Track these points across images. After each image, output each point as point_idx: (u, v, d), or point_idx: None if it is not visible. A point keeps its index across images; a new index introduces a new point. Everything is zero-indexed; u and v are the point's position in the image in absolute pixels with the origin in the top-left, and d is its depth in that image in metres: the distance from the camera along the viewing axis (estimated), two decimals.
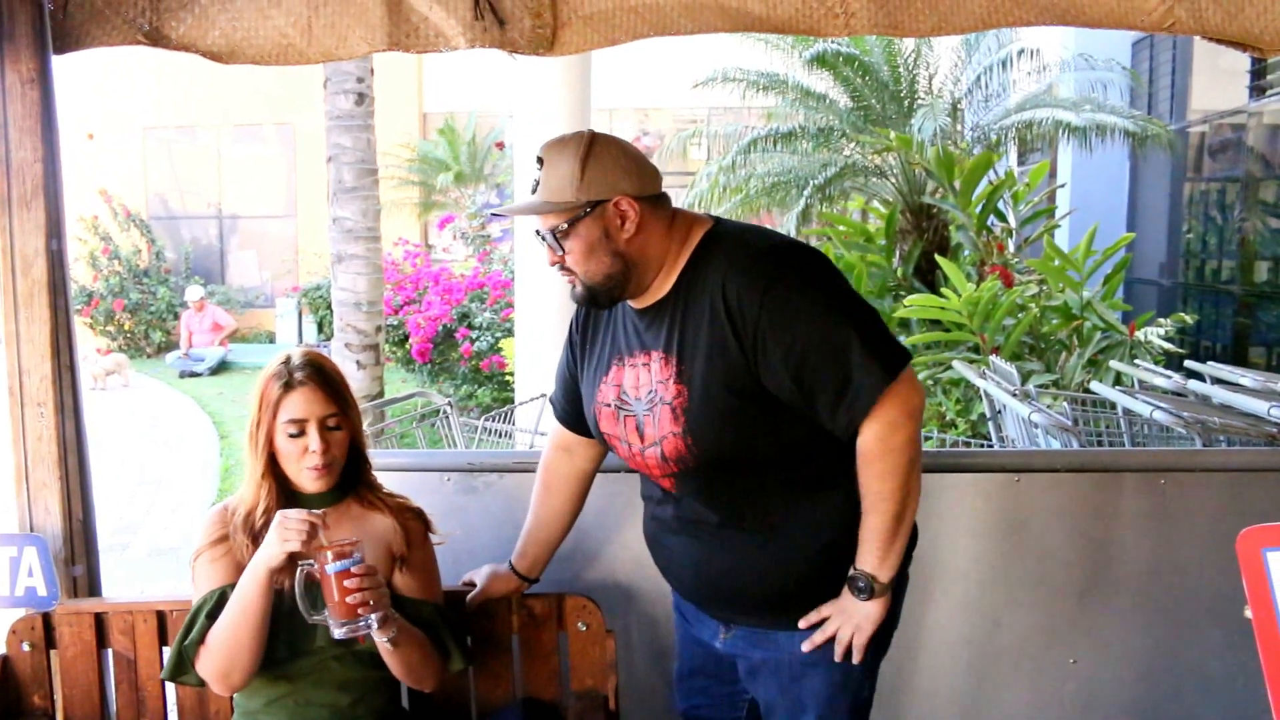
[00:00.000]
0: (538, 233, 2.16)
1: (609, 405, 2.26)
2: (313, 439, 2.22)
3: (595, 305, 2.26)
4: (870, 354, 2.04)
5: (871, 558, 2.13)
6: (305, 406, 2.22)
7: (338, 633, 2.11)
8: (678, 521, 2.27)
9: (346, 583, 2.07)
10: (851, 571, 2.15)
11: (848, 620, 2.16)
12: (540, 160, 2.16)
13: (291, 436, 2.22)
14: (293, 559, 2.13)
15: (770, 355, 2.05)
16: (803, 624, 2.20)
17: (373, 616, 2.10)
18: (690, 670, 2.50)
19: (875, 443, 2.08)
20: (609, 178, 2.10)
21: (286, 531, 2.11)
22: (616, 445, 2.28)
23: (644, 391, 2.18)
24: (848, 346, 2.04)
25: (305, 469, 2.23)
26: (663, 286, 2.17)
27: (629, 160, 2.13)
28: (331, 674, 2.27)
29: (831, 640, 2.19)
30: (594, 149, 2.11)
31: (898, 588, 2.27)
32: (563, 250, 2.14)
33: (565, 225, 2.11)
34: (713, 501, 2.20)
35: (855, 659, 2.18)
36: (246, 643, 2.17)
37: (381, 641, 2.18)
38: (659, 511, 2.32)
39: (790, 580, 2.19)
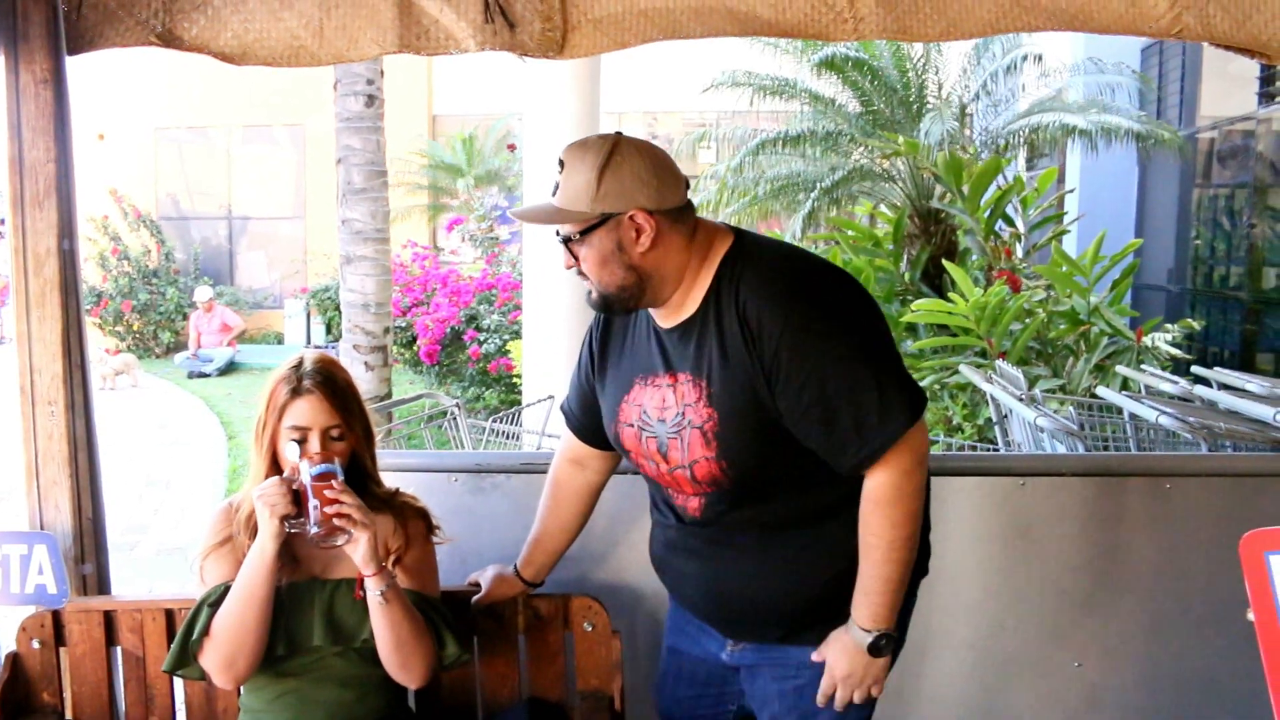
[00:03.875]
0: (556, 233, 2.13)
1: (631, 425, 2.22)
2: (313, 447, 2.22)
3: (610, 312, 2.22)
4: (889, 396, 1.99)
5: (887, 612, 2.08)
6: (309, 415, 2.22)
7: (314, 532, 2.13)
8: (694, 541, 2.23)
9: (323, 489, 2.12)
10: (869, 634, 2.08)
11: (862, 683, 2.12)
12: (561, 163, 2.10)
13: (293, 443, 2.22)
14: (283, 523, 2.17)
15: (787, 383, 2.00)
16: (820, 700, 2.17)
17: (350, 526, 2.13)
18: (674, 680, 2.48)
19: (890, 489, 2.02)
20: (626, 190, 2.03)
21: (269, 499, 2.14)
22: (643, 463, 2.24)
23: (669, 414, 2.13)
24: (867, 386, 1.98)
25: None
26: (687, 304, 2.12)
27: (650, 171, 2.05)
28: (333, 671, 2.28)
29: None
30: (613, 159, 2.03)
31: (905, 607, 2.26)
32: (576, 257, 2.11)
33: (578, 234, 2.07)
34: (740, 524, 2.16)
35: (873, 695, 2.15)
36: (252, 627, 2.18)
37: (375, 595, 2.18)
38: (671, 535, 2.29)
39: (804, 603, 2.16)
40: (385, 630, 2.21)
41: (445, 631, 2.32)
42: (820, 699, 2.15)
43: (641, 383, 2.20)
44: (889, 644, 2.09)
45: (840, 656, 2.12)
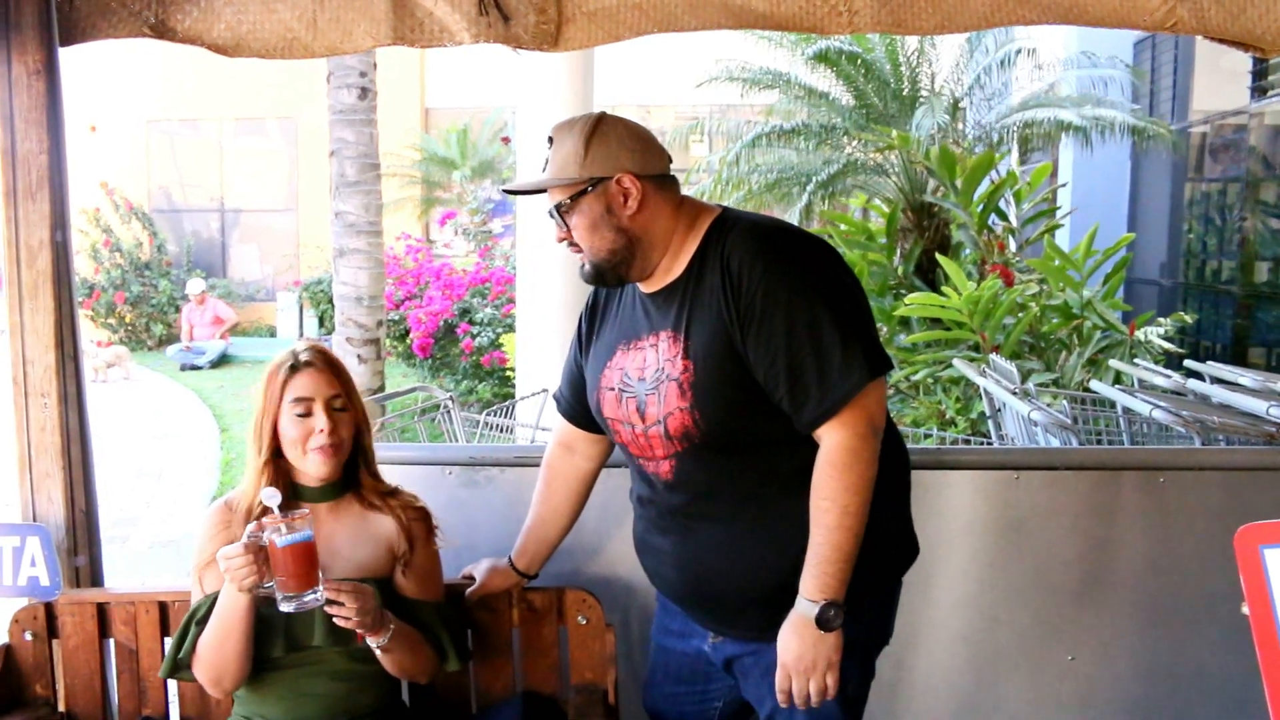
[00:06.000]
0: (549, 212, 2.20)
1: (612, 389, 2.25)
2: (319, 418, 2.23)
3: (602, 283, 2.26)
4: (853, 352, 2.03)
5: (836, 583, 2.04)
6: (311, 386, 2.24)
7: (284, 606, 2.10)
8: (669, 517, 2.25)
9: (296, 565, 2.07)
10: (815, 605, 2.04)
11: (815, 666, 2.07)
12: (550, 140, 2.20)
13: (298, 417, 2.23)
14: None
15: (758, 331, 2.05)
16: (781, 699, 2.12)
17: (320, 590, 2.10)
18: (661, 676, 2.49)
19: (845, 451, 2.04)
20: (612, 154, 2.14)
21: (235, 573, 2.09)
22: (619, 429, 2.25)
23: (649, 372, 2.17)
24: (833, 340, 2.03)
25: (312, 450, 2.23)
26: (673, 269, 2.18)
27: (634, 139, 2.17)
28: (329, 665, 2.28)
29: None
30: (600, 127, 2.15)
31: (896, 590, 2.28)
32: (568, 226, 2.17)
33: (569, 201, 2.15)
34: (711, 487, 2.17)
35: (831, 693, 2.09)
36: (232, 657, 2.19)
37: (373, 645, 2.21)
38: (649, 511, 2.30)
39: (777, 581, 2.13)
40: (388, 662, 2.27)
41: (448, 645, 2.35)
42: (780, 697, 2.12)
43: (624, 348, 2.26)
44: (838, 615, 2.04)
45: (789, 639, 2.09)
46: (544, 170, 2.19)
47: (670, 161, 2.24)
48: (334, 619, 2.13)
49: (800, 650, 2.07)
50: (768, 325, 2.05)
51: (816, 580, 2.05)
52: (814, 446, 2.08)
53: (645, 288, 2.24)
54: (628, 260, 2.18)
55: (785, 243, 2.12)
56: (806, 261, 2.10)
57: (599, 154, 2.13)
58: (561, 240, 2.21)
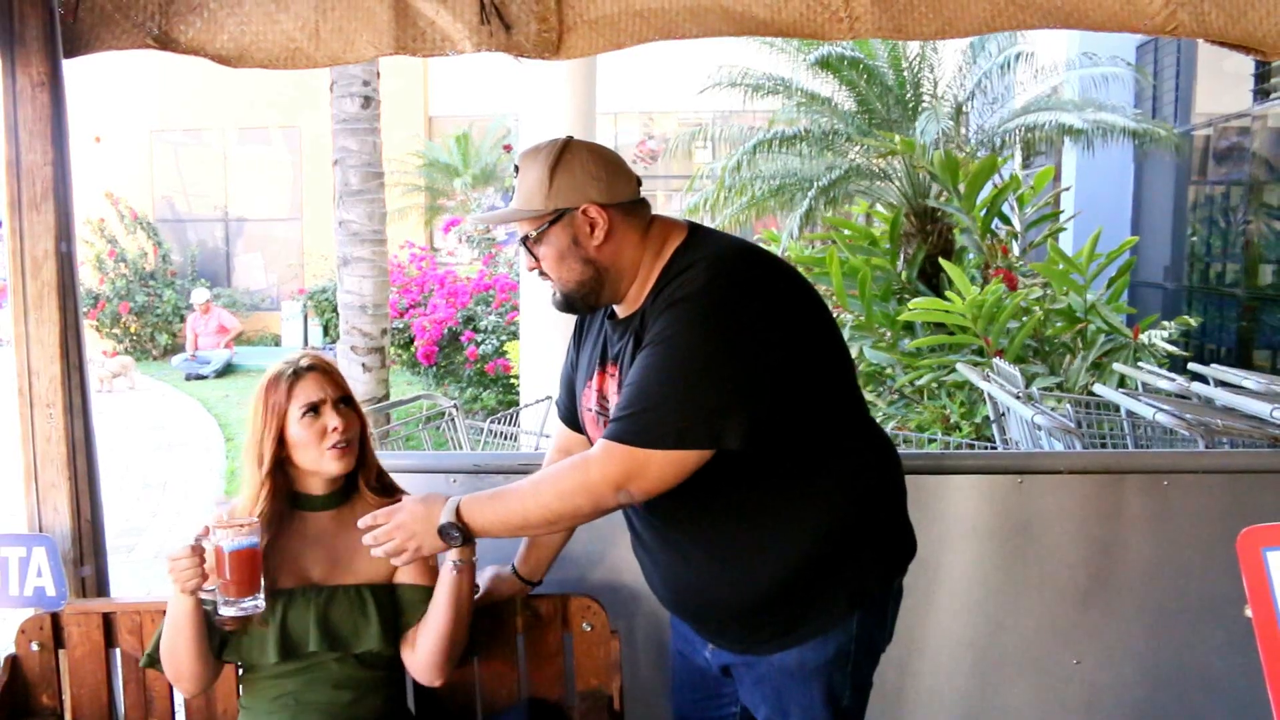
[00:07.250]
0: (518, 242, 2.19)
1: (591, 410, 2.27)
2: (330, 416, 2.25)
3: (574, 311, 2.27)
4: (677, 414, 1.97)
5: (481, 521, 2.08)
6: (318, 388, 2.26)
7: (225, 610, 2.11)
8: (649, 536, 2.26)
9: (241, 569, 2.09)
10: (452, 519, 2.08)
11: (404, 539, 2.12)
12: (517, 168, 2.18)
13: (310, 419, 2.24)
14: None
15: (646, 347, 2.03)
16: (362, 523, 2.15)
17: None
18: (680, 683, 2.51)
19: (584, 480, 2.02)
20: (577, 185, 2.10)
21: (178, 575, 2.12)
22: None
23: (612, 401, 2.17)
24: (678, 390, 1.97)
25: (327, 450, 2.25)
26: (639, 300, 2.15)
27: (599, 167, 2.12)
28: (329, 673, 2.29)
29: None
30: (563, 156, 2.11)
31: (888, 602, 2.26)
32: (536, 257, 2.15)
33: (535, 233, 2.12)
34: (672, 519, 2.17)
35: (402, 560, 2.15)
36: (184, 658, 2.22)
37: (452, 563, 2.22)
38: (636, 528, 2.31)
39: (751, 603, 2.15)
40: (448, 605, 2.25)
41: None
42: (367, 518, 2.14)
43: (600, 371, 2.26)
44: (453, 542, 2.10)
45: (418, 505, 2.13)
46: (512, 200, 2.17)
47: (639, 184, 2.19)
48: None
49: (410, 521, 2.12)
50: (650, 344, 2.02)
51: (476, 503, 2.09)
52: (778, 477, 2.07)
53: (617, 310, 2.23)
54: (596, 290, 2.16)
55: (712, 289, 2.03)
56: (731, 311, 2.02)
57: (563, 184, 2.10)
58: (532, 270, 2.19)
